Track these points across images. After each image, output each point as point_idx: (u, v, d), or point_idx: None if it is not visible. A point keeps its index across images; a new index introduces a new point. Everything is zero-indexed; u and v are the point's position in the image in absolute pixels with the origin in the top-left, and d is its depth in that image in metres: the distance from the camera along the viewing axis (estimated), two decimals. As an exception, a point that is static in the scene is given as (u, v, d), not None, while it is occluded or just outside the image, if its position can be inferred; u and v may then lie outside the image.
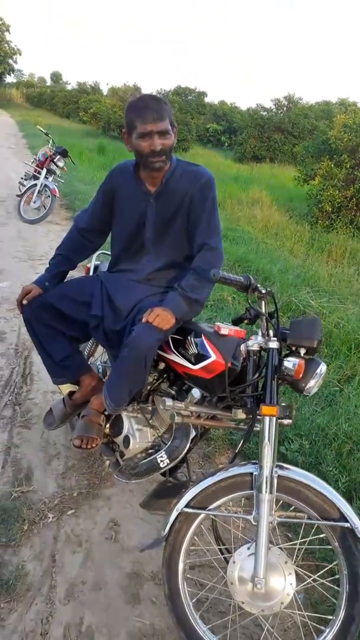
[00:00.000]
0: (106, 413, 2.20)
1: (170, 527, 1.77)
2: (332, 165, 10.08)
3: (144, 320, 1.88)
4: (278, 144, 23.49)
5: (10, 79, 43.96)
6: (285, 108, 26.09)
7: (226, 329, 1.85)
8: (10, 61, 35.59)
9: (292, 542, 1.82)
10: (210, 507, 1.77)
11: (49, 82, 63.54)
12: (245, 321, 1.90)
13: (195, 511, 1.76)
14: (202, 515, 1.78)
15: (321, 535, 1.72)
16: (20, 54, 36.14)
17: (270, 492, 1.67)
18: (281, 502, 1.74)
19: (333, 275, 6.88)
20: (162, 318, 1.88)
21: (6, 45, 34.64)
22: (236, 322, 1.95)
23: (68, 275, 2.45)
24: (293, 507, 1.75)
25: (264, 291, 1.71)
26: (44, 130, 8.82)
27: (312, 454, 2.73)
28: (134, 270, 2.20)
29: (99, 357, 2.77)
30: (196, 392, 1.82)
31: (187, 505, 1.76)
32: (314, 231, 9.65)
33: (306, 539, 1.77)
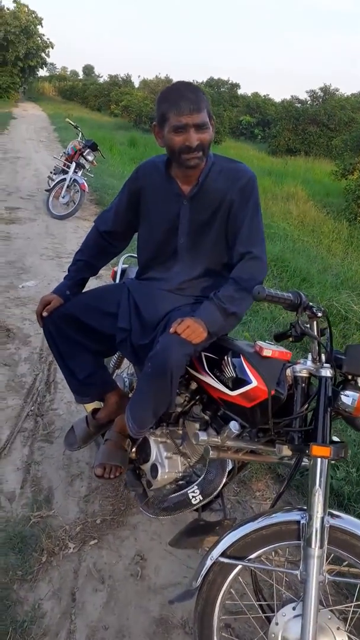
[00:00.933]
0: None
1: (204, 578, 1.55)
2: (372, 159, 9.64)
3: (171, 330, 1.65)
4: (313, 136, 22.92)
5: (42, 72, 44.02)
6: (320, 100, 25.42)
7: (269, 349, 1.60)
8: (43, 55, 35.54)
9: (346, 605, 1.57)
10: (250, 557, 1.53)
11: (81, 75, 63.74)
12: (290, 339, 1.64)
13: (232, 562, 1.53)
14: (239, 567, 1.55)
15: (380, 598, 1.47)
16: (52, 47, 36.02)
17: (321, 547, 1.43)
18: (332, 555, 1.50)
19: (374, 275, 6.53)
20: (192, 330, 1.65)
21: (39, 38, 34.59)
22: (278, 338, 1.70)
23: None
24: (347, 562, 1.50)
25: (319, 313, 1.46)
26: (73, 123, 8.66)
27: (360, 483, 2.46)
28: (165, 278, 1.97)
29: (126, 369, 2.55)
30: (234, 426, 1.58)
31: (223, 554, 1.53)
32: (353, 228, 9.27)
33: (362, 601, 1.52)
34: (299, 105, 25.47)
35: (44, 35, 35.33)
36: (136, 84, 38.40)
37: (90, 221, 7.49)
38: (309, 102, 25.82)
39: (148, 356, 1.71)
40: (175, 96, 1.72)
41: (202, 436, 1.58)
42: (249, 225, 1.84)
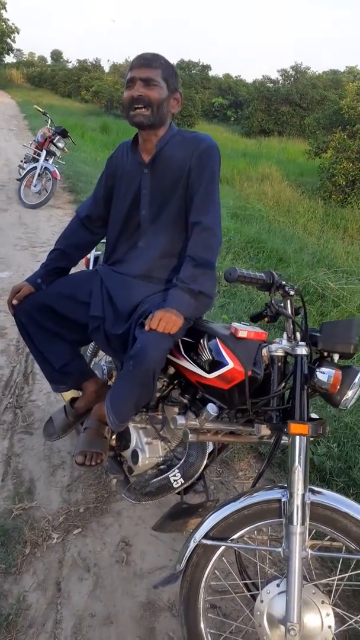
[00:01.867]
0: (111, 427, 1.96)
1: (187, 561, 1.55)
2: (345, 137, 9.66)
3: (146, 328, 1.62)
4: (286, 116, 22.86)
5: (9, 59, 43.10)
6: (292, 79, 25.27)
7: (245, 330, 1.59)
8: (9, 40, 34.75)
9: (329, 578, 1.59)
10: (233, 537, 1.53)
11: (49, 61, 62.43)
12: (266, 319, 1.63)
13: (215, 543, 1.53)
14: (223, 547, 1.55)
15: (363, 570, 1.49)
16: (18, 33, 35.25)
17: (303, 524, 1.43)
18: (314, 530, 1.50)
19: (350, 252, 6.60)
20: (166, 321, 1.62)
21: (3, 23, 33.78)
22: (255, 319, 1.69)
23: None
24: (329, 537, 1.51)
25: (291, 292, 1.44)
26: (41, 110, 8.47)
27: (342, 458, 2.48)
28: (132, 258, 1.93)
29: (104, 357, 2.52)
30: (212, 408, 1.56)
31: (205, 536, 1.53)
32: (328, 206, 9.30)
33: (345, 575, 1.54)
34: (270, 85, 25.30)
35: (8, 20, 34.53)
36: (106, 69, 37.82)
37: (64, 209, 7.39)
38: (280, 82, 25.65)
39: (128, 354, 1.68)
40: (134, 59, 1.78)
41: (180, 420, 1.56)
42: (203, 193, 1.79)
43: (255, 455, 2.57)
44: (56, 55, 64.14)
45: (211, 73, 36.61)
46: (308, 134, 13.20)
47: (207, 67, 36.65)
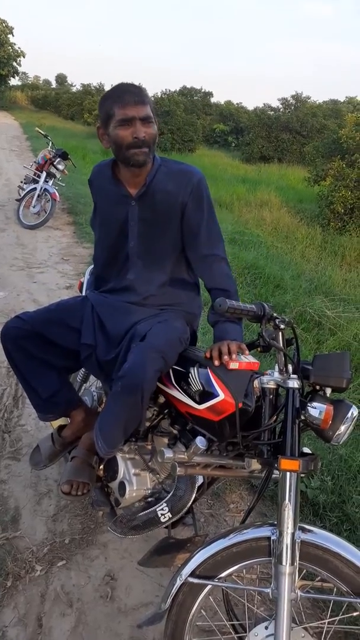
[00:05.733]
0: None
1: (173, 599, 1.49)
2: (344, 165, 9.76)
3: (217, 363, 1.56)
4: (286, 143, 23.14)
5: (14, 81, 43.68)
6: (292, 107, 25.69)
7: (235, 362, 1.56)
8: (15, 64, 35.31)
9: (320, 621, 1.53)
10: (220, 575, 1.48)
11: (54, 84, 63.50)
12: (259, 349, 1.61)
13: (202, 581, 1.47)
14: (210, 586, 1.49)
15: (355, 614, 1.43)
16: (24, 57, 35.84)
17: (292, 564, 1.38)
18: (305, 570, 1.45)
19: (348, 280, 6.60)
20: (226, 344, 1.59)
21: (10, 47, 34.37)
22: (247, 348, 1.66)
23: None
24: (319, 577, 1.46)
25: (282, 325, 1.42)
26: (43, 132, 8.56)
27: (335, 492, 2.43)
28: (125, 289, 1.91)
29: (94, 382, 2.48)
30: (201, 441, 1.52)
31: (192, 574, 1.47)
32: (326, 233, 9.34)
33: (336, 618, 1.48)
34: (271, 112, 25.70)
35: (15, 44, 35.14)
36: (110, 93, 38.28)
37: (62, 230, 7.40)
38: (281, 110, 26.06)
39: (117, 375, 1.65)
40: (118, 92, 1.72)
41: (168, 453, 1.52)
42: (207, 227, 1.84)
43: (247, 488, 2.51)
44: (60, 79, 65.29)
45: (213, 100, 37.26)
46: (308, 162, 13.32)
47: (209, 94, 37.30)
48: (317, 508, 2.37)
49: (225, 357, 1.54)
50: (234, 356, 1.55)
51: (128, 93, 1.70)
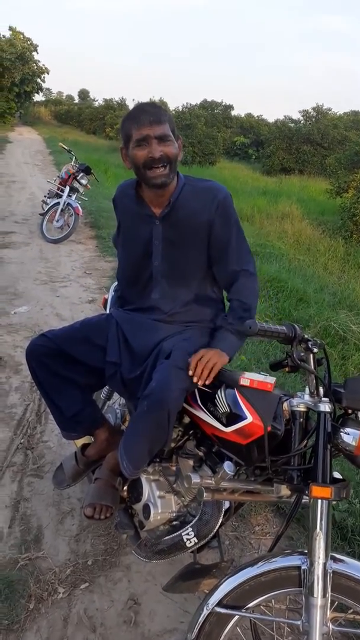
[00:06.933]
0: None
1: (199, 630, 1.44)
2: (367, 177, 9.66)
3: (192, 365, 1.63)
4: (307, 155, 23.13)
5: (38, 97, 44.48)
6: (313, 119, 25.65)
7: (247, 379, 1.52)
8: (39, 80, 35.92)
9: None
10: (248, 605, 1.43)
11: (76, 99, 64.50)
12: (287, 369, 1.56)
13: (229, 612, 1.42)
14: (237, 617, 1.44)
15: (390, 650, 1.37)
16: (48, 73, 36.43)
17: (324, 596, 1.33)
18: (336, 602, 1.39)
19: (371, 294, 6.48)
20: (209, 357, 1.64)
21: (34, 64, 34.94)
22: (274, 367, 1.61)
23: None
24: (352, 610, 1.40)
25: (315, 349, 1.38)
26: (66, 147, 8.66)
27: (364, 515, 2.35)
28: (150, 308, 1.90)
29: (118, 399, 2.46)
30: (229, 467, 1.48)
31: (219, 604, 1.43)
32: (349, 246, 9.25)
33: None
34: (292, 125, 25.74)
35: (39, 61, 35.70)
36: (130, 108, 38.80)
37: (85, 245, 7.45)
38: (302, 122, 26.06)
39: (143, 394, 1.63)
40: (135, 113, 1.73)
41: (195, 478, 1.48)
42: (237, 244, 1.83)
43: (272, 510, 2.45)
44: (83, 94, 66.30)
45: (233, 112, 37.42)
46: (329, 173, 13.26)
47: (229, 107, 37.50)
48: (345, 532, 2.30)
49: (199, 374, 1.61)
50: (212, 374, 1.62)
51: (144, 113, 1.69)
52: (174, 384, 1.60)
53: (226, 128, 32.57)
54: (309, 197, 15.06)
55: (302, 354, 1.42)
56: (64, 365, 1.87)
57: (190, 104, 26.53)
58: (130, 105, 38.97)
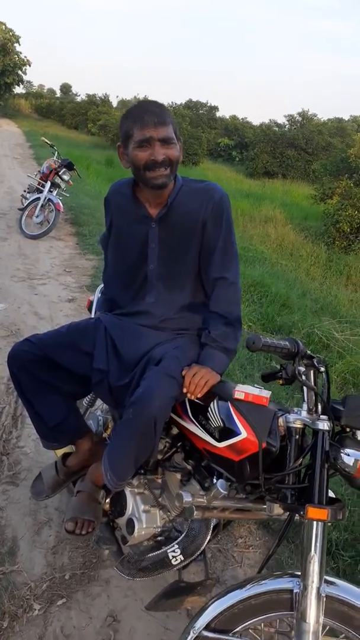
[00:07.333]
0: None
1: (186, 654, 1.37)
2: (352, 184, 9.74)
3: (185, 390, 1.57)
4: (291, 160, 23.28)
5: (19, 89, 43.66)
6: (298, 124, 25.84)
7: (241, 392, 1.46)
8: (20, 72, 35.33)
9: None
10: (237, 629, 1.37)
11: (58, 93, 63.82)
12: (280, 381, 1.49)
13: (217, 636, 1.35)
14: (225, 641, 1.38)
15: None
16: (29, 65, 35.85)
17: (317, 621, 1.27)
18: (328, 627, 1.34)
19: (353, 301, 6.54)
20: (201, 375, 1.58)
21: (16, 56, 34.38)
22: (267, 378, 1.55)
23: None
24: (344, 635, 1.35)
25: (322, 368, 1.32)
26: (49, 142, 8.50)
27: (348, 529, 2.31)
28: (141, 312, 1.81)
29: (100, 406, 2.37)
30: (222, 485, 1.41)
31: (207, 627, 1.36)
32: (331, 252, 9.30)
33: None
34: (277, 129, 25.88)
35: (21, 53, 35.18)
36: (114, 104, 38.58)
37: (65, 241, 7.32)
38: (287, 126, 26.24)
39: (129, 401, 1.55)
40: (139, 111, 1.64)
41: (187, 497, 1.40)
42: (223, 247, 1.74)
43: (256, 522, 2.39)
44: (65, 88, 65.58)
45: (218, 114, 37.49)
46: (312, 179, 13.36)
47: (214, 108, 37.55)
48: (329, 546, 2.25)
49: (192, 390, 1.55)
50: (204, 390, 1.56)
51: (148, 113, 1.62)
52: (162, 391, 1.53)
53: (210, 129, 32.57)
54: (292, 202, 15.11)
55: (303, 369, 1.36)
56: (48, 372, 1.78)
57: (176, 103, 26.50)
58: (114, 101, 38.79)
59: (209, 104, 37.24)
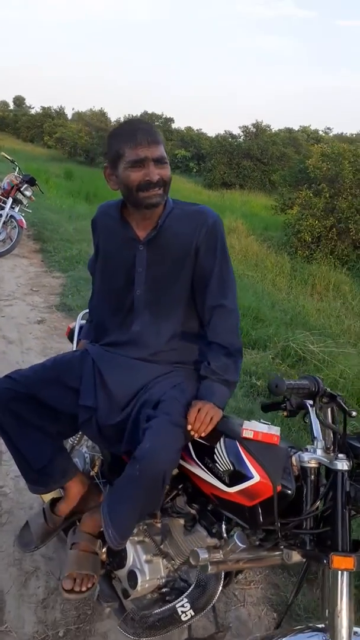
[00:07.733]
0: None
1: None
2: (311, 195, 9.87)
3: (190, 428, 1.47)
4: (247, 170, 23.58)
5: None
6: (253, 135, 26.23)
7: (250, 430, 1.37)
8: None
9: None
10: None
11: (11, 106, 62.89)
12: (284, 413, 1.41)
13: None
14: None
15: None
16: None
17: None
18: None
19: (320, 310, 6.57)
20: (205, 412, 1.48)
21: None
22: (267, 409, 1.47)
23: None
24: None
25: (350, 410, 1.23)
26: (9, 158, 8.27)
27: None
28: (129, 344, 1.69)
29: (84, 442, 2.22)
30: (240, 538, 1.31)
31: None
32: (295, 262, 9.37)
33: None
34: (232, 140, 26.19)
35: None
36: (69, 116, 38.39)
37: (29, 259, 7.11)
38: (242, 137, 26.60)
39: (133, 456, 1.44)
40: (129, 129, 1.56)
41: (202, 554, 1.29)
42: (219, 274, 1.65)
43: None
44: (18, 100, 64.64)
45: (174, 125, 37.74)
46: (269, 189, 13.53)
47: (170, 120, 37.78)
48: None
49: (197, 429, 1.46)
50: (209, 428, 1.46)
51: (140, 131, 1.54)
52: (170, 444, 1.43)
53: (167, 141, 32.73)
54: (252, 213, 15.23)
55: (321, 406, 1.28)
56: (33, 411, 1.65)
57: (131, 116, 26.43)
58: (69, 113, 38.53)
59: (164, 116, 37.48)
